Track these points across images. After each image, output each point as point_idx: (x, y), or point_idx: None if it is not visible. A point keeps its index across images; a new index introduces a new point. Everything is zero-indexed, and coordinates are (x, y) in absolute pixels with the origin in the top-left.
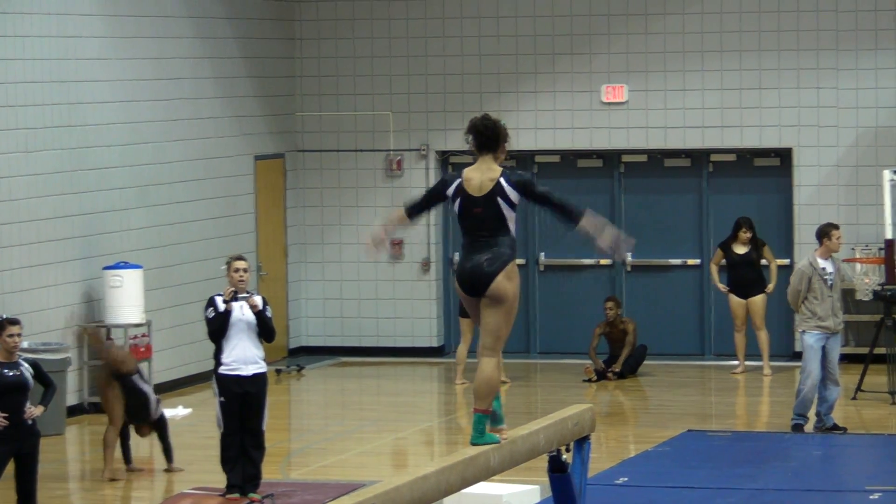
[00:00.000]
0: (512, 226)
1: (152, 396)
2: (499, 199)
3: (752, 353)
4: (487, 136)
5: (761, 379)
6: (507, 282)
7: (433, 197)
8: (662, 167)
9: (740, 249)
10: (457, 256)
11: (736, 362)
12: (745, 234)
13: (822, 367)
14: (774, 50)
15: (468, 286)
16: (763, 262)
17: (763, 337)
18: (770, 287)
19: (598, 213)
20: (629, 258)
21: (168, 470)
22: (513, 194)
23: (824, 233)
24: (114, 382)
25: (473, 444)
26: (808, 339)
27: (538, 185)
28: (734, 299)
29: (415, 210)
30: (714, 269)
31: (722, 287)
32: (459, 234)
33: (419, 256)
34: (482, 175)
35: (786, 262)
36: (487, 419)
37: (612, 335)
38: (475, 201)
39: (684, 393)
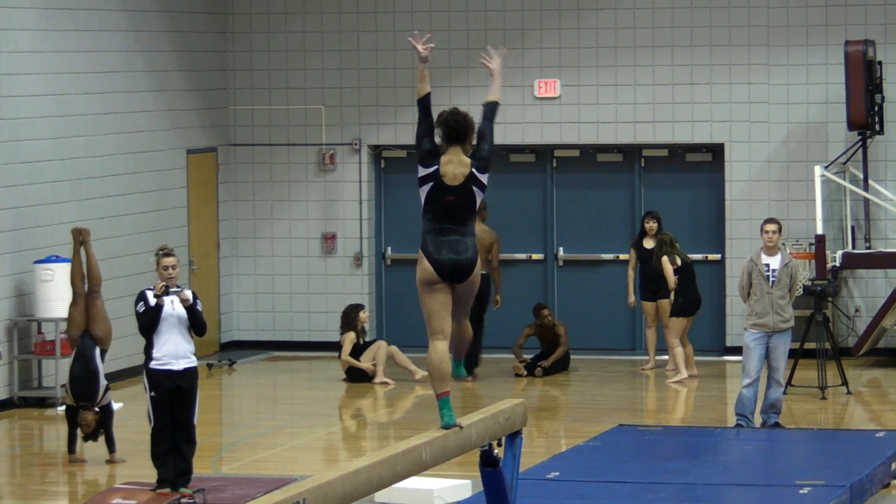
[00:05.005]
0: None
1: (102, 378)
2: (473, 186)
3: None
4: (458, 131)
5: (690, 377)
6: (478, 268)
7: (429, 128)
8: (595, 162)
9: (648, 244)
10: (389, 251)
11: (646, 357)
12: (648, 224)
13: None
14: (706, 45)
15: (448, 274)
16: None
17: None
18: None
19: (530, 207)
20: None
21: (110, 461)
22: (483, 177)
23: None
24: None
25: (445, 425)
26: (746, 338)
27: (483, 149)
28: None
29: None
30: (630, 274)
31: (631, 299)
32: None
33: (351, 251)
34: (455, 168)
35: (717, 256)
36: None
37: (544, 335)
38: (449, 190)
39: (615, 388)
